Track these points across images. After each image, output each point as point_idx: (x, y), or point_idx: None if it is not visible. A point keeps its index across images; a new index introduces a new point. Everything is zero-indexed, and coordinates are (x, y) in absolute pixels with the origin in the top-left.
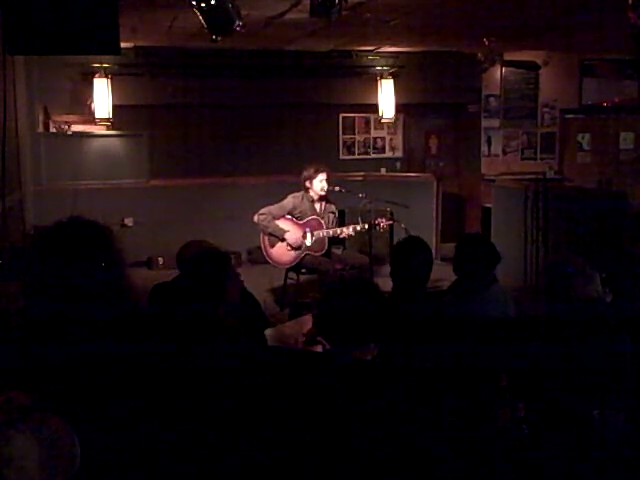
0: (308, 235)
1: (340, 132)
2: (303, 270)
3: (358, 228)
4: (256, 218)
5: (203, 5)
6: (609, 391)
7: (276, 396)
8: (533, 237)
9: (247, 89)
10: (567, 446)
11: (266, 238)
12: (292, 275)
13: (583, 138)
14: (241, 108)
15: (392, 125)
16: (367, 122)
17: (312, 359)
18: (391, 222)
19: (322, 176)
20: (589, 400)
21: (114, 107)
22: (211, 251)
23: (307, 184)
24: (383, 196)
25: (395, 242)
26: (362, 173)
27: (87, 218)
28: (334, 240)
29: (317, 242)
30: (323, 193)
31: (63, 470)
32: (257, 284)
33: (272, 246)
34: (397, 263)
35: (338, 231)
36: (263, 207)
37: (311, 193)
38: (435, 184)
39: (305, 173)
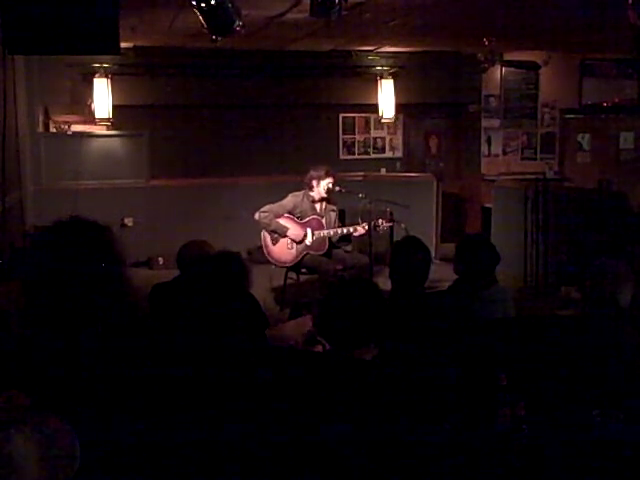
0: (309, 234)
1: (340, 132)
2: (303, 270)
3: (367, 227)
4: (257, 216)
5: (203, 5)
6: (609, 391)
7: (276, 396)
8: (533, 237)
9: (247, 89)
10: (567, 446)
11: (267, 236)
12: (292, 275)
13: (583, 138)
14: (241, 108)
15: (392, 125)
16: (367, 122)
17: (312, 359)
18: (391, 224)
19: (330, 179)
20: (589, 400)
21: (114, 107)
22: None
23: (313, 183)
24: (383, 196)
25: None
26: (362, 173)
27: (87, 218)
28: (343, 237)
29: (317, 241)
30: (325, 195)
31: (63, 470)
32: (257, 284)
33: (273, 244)
34: (395, 263)
35: (352, 229)
36: (263, 207)
37: (313, 193)
38: (435, 184)
39: (314, 173)
